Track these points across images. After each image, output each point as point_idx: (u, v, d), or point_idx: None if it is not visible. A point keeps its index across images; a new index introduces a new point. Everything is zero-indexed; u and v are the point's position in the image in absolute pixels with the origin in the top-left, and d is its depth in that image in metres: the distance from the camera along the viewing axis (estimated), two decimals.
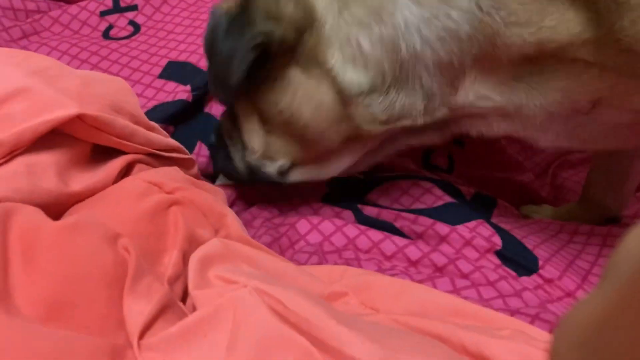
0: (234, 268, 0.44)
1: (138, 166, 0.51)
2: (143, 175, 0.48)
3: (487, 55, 0.53)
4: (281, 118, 0.62)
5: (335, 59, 0.56)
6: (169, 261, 0.43)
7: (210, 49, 0.59)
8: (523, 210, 0.86)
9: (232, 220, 0.50)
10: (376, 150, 0.69)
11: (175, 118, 0.83)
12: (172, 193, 0.47)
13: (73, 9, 1.01)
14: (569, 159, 1.01)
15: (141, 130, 0.51)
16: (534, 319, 0.60)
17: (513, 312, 0.61)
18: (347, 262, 0.69)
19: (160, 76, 0.89)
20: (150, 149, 0.52)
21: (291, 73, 0.59)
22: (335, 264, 0.68)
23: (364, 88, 0.57)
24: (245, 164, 0.70)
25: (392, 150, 0.70)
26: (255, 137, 0.66)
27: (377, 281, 0.50)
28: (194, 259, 0.43)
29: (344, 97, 0.58)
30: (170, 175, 0.49)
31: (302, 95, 0.60)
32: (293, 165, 0.68)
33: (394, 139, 0.67)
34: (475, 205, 0.81)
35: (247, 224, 0.73)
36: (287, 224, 0.73)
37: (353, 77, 0.57)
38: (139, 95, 0.88)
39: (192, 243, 0.46)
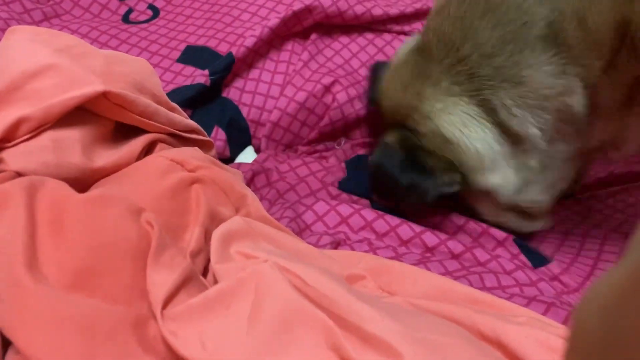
0: (255, 245, 0.45)
1: (160, 145, 0.51)
2: (165, 154, 0.49)
3: (594, 108, 0.60)
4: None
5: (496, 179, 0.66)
6: (191, 236, 0.44)
7: (383, 173, 0.70)
8: None
9: (252, 199, 0.51)
10: None
11: (193, 102, 0.84)
12: (193, 171, 0.48)
13: None
14: None
15: (163, 110, 0.51)
16: (549, 306, 0.60)
17: (530, 300, 0.62)
18: (364, 244, 0.69)
19: (179, 60, 0.90)
20: (171, 129, 0.53)
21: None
22: (352, 246, 0.69)
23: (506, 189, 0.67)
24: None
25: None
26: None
27: (396, 267, 0.50)
28: (216, 235, 0.43)
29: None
30: (192, 154, 0.50)
31: (480, 205, 0.72)
32: None
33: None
34: None
35: (264, 205, 0.74)
36: (305, 205, 0.73)
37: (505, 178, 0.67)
38: None
39: (213, 220, 0.46)
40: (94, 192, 0.41)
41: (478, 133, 0.63)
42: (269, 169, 0.82)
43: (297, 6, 0.91)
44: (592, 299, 0.20)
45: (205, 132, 0.60)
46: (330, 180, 0.82)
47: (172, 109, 0.54)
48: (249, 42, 0.88)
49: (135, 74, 0.51)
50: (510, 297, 0.62)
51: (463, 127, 0.64)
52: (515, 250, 0.71)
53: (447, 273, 0.66)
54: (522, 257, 0.71)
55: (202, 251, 0.44)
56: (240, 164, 0.83)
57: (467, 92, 0.62)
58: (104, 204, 0.40)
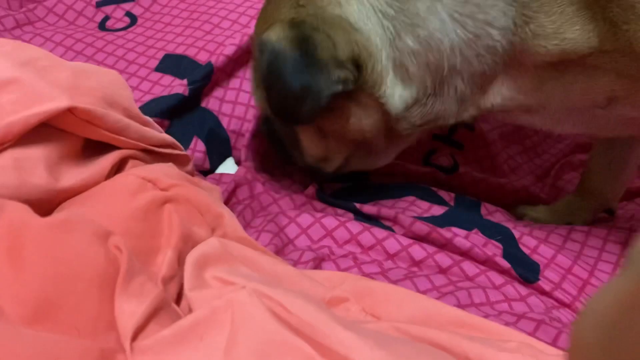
0: (232, 269, 0.42)
1: (131, 162, 0.49)
2: (136, 171, 0.46)
3: (515, 63, 0.59)
4: (336, 134, 0.70)
5: (388, 87, 0.62)
6: (163, 260, 0.41)
7: (274, 79, 0.62)
8: (519, 209, 0.85)
9: (229, 219, 0.48)
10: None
11: (171, 112, 0.81)
12: (166, 190, 0.46)
13: None
14: (571, 160, 1.00)
15: (135, 124, 0.49)
16: (539, 324, 0.58)
17: (519, 317, 0.60)
18: (349, 259, 0.67)
19: (157, 69, 0.88)
20: (144, 145, 0.50)
21: (346, 104, 0.65)
22: (336, 262, 0.66)
23: (409, 104, 0.64)
24: (303, 164, 0.77)
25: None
26: (313, 146, 0.73)
27: (379, 288, 0.48)
28: (189, 259, 0.41)
29: (390, 116, 0.65)
30: (164, 171, 0.47)
31: (355, 119, 0.67)
32: (346, 162, 0.75)
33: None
34: (463, 210, 0.80)
35: (246, 218, 0.72)
36: (289, 217, 0.71)
37: (400, 97, 0.63)
38: (134, 88, 0.86)
39: (187, 242, 0.44)
40: (57, 216, 0.39)
41: (374, 27, 0.59)
42: (252, 180, 0.80)
43: None
44: (590, 314, 0.20)
45: (181, 146, 0.57)
46: (312, 192, 0.80)
47: (145, 123, 0.52)
48: (229, 50, 0.86)
49: (105, 88, 0.48)
50: (499, 315, 0.60)
51: (359, 15, 0.59)
52: (505, 265, 0.69)
53: (434, 289, 0.64)
54: (512, 272, 0.69)
55: (175, 276, 0.41)
56: (222, 174, 0.81)
57: None
58: (67, 229, 0.38)
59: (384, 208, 0.76)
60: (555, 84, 0.59)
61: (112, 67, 0.89)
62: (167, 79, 0.85)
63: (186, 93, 0.81)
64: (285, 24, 0.61)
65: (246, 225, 0.69)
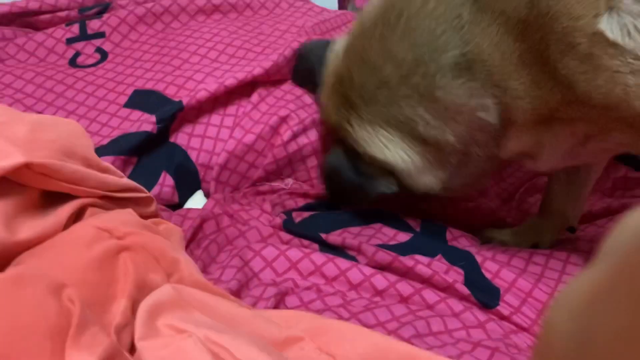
0: (185, 316, 0.44)
1: (90, 210, 0.50)
2: (92, 221, 0.47)
3: (511, 128, 0.69)
4: None
5: (425, 181, 0.78)
6: (117, 309, 0.43)
7: (336, 176, 0.84)
8: (486, 233, 0.88)
9: (185, 264, 0.50)
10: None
11: (140, 149, 0.83)
12: (122, 238, 0.47)
13: (39, 36, 1.01)
14: (535, 183, 1.03)
15: (93, 173, 0.50)
16: (494, 352, 0.60)
17: (475, 345, 0.62)
18: (312, 291, 0.68)
19: (126, 105, 0.89)
20: (103, 192, 0.52)
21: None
22: (300, 295, 0.68)
23: (444, 179, 0.78)
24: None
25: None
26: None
27: (334, 326, 0.50)
28: (142, 308, 0.42)
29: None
30: (121, 219, 0.49)
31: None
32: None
33: None
34: (428, 236, 0.82)
35: (211, 253, 0.73)
36: (254, 250, 0.72)
37: (437, 180, 0.78)
38: (104, 124, 0.87)
39: (142, 289, 0.45)
40: (10, 271, 0.40)
41: (399, 153, 0.76)
42: (219, 214, 0.81)
43: (257, 71, 0.91)
44: (562, 304, 0.20)
45: (143, 189, 0.59)
46: (278, 222, 0.82)
47: (104, 170, 0.53)
48: (201, 95, 0.87)
49: (63, 139, 0.50)
50: (456, 343, 0.62)
51: (386, 150, 0.76)
52: (465, 291, 0.71)
53: (394, 319, 0.65)
54: (472, 299, 0.71)
55: (129, 324, 0.43)
56: (189, 209, 0.82)
57: (386, 119, 0.74)
58: (21, 284, 0.39)
59: (348, 238, 0.78)
60: (546, 135, 0.68)
61: (82, 103, 0.90)
62: (136, 114, 0.86)
63: (154, 131, 0.82)
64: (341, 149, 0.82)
65: (211, 261, 0.70)
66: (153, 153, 0.84)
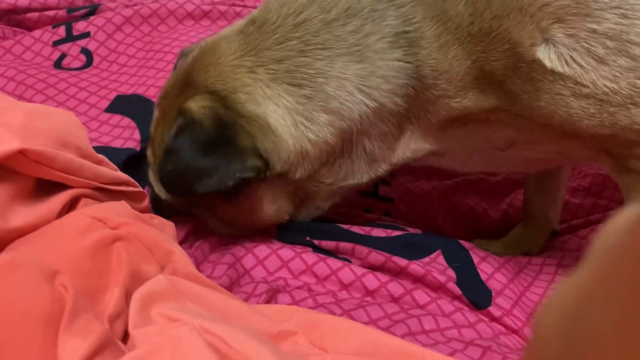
0: (179, 306, 0.43)
1: (84, 200, 0.50)
2: (87, 210, 0.47)
3: (420, 122, 0.66)
4: (236, 218, 0.73)
5: (295, 170, 0.67)
6: (110, 298, 0.42)
7: (181, 147, 0.63)
8: (474, 243, 0.88)
9: (179, 255, 0.49)
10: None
11: (123, 164, 0.81)
12: (116, 228, 0.47)
13: (27, 40, 1.00)
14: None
15: (88, 164, 0.50)
16: (486, 350, 0.60)
17: (467, 344, 0.62)
18: (304, 290, 0.68)
19: (107, 110, 0.89)
20: (97, 183, 0.51)
21: (254, 188, 0.68)
22: (291, 293, 0.68)
23: (316, 170, 0.68)
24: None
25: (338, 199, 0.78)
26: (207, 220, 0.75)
27: (327, 320, 0.50)
28: (136, 297, 0.42)
29: (298, 186, 0.70)
30: (115, 210, 0.49)
31: (264, 200, 0.70)
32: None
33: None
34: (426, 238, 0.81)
35: (204, 251, 0.73)
36: (246, 247, 0.72)
37: (307, 169, 0.67)
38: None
39: (136, 280, 0.45)
40: (3, 256, 0.40)
41: (295, 131, 0.64)
42: None
43: None
44: (552, 306, 0.20)
45: (136, 183, 0.58)
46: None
47: (99, 162, 0.53)
48: None
49: (59, 128, 0.49)
50: (448, 341, 0.62)
51: (282, 119, 0.64)
52: (457, 291, 0.71)
53: (386, 317, 0.65)
54: (464, 299, 0.71)
55: (122, 314, 0.42)
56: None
57: (289, 79, 0.63)
58: (14, 269, 0.39)
59: (342, 242, 0.77)
60: (458, 132, 0.66)
61: (62, 104, 0.89)
62: (116, 118, 0.86)
63: (138, 149, 0.81)
64: (209, 100, 0.64)
65: (203, 259, 0.70)
66: (137, 167, 0.82)
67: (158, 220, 0.56)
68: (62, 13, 1.07)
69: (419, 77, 0.63)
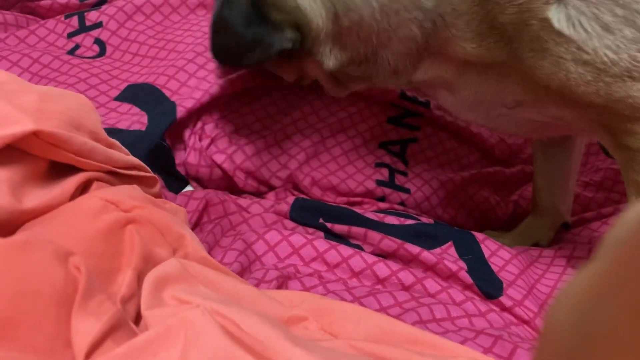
0: (191, 289, 0.43)
1: (96, 184, 0.50)
2: (100, 193, 0.47)
3: (439, 52, 0.69)
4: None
5: (326, 53, 0.73)
6: (123, 280, 0.42)
7: (226, 24, 0.72)
8: (485, 234, 0.88)
9: (190, 240, 0.49)
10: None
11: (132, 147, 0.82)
12: (129, 211, 0.47)
13: (41, 31, 1.00)
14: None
15: (100, 147, 0.50)
16: (497, 339, 0.60)
17: (478, 333, 0.62)
18: (315, 277, 0.68)
19: (116, 98, 0.89)
20: (109, 167, 0.51)
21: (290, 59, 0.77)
22: (302, 280, 0.67)
23: (344, 63, 0.74)
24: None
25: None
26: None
27: (338, 306, 0.49)
28: (148, 279, 0.42)
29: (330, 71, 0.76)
30: (128, 193, 0.49)
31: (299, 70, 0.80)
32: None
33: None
34: (438, 228, 0.81)
35: (216, 236, 0.73)
36: (257, 233, 0.72)
37: (336, 59, 0.73)
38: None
39: (148, 262, 0.45)
40: (17, 236, 0.40)
41: (322, 10, 0.70)
42: (224, 200, 0.81)
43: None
44: (563, 299, 0.20)
45: (148, 168, 0.58)
46: (284, 210, 0.81)
47: (111, 146, 0.53)
48: (188, 103, 0.86)
49: (72, 111, 0.49)
50: (459, 330, 0.62)
51: (312, 2, 0.70)
52: (468, 280, 0.71)
53: (397, 304, 0.65)
54: (475, 288, 0.71)
55: (135, 296, 0.42)
56: (193, 191, 0.82)
57: None
58: (27, 249, 0.39)
59: (354, 227, 0.78)
60: (472, 77, 0.69)
61: (72, 85, 0.90)
62: (125, 107, 0.86)
63: (143, 128, 0.81)
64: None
65: (215, 244, 0.70)
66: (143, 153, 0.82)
67: (170, 205, 0.56)
68: (74, 1, 1.07)
69: (440, 14, 0.65)
